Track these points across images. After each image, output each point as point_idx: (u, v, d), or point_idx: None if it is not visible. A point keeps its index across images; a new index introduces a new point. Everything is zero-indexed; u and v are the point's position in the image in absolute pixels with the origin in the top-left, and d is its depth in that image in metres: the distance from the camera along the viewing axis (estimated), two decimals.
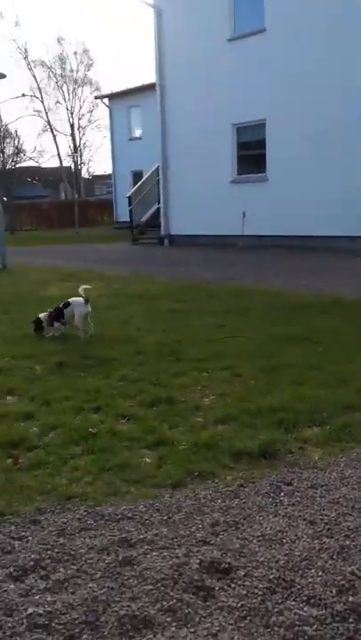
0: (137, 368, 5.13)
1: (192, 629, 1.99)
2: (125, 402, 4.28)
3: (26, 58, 49.59)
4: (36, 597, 2.15)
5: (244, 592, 2.16)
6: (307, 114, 14.92)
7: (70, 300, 6.43)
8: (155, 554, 2.42)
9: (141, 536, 2.55)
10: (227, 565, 2.32)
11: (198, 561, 2.34)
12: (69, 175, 50.63)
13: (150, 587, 2.19)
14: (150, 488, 3.01)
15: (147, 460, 3.35)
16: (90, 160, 55.55)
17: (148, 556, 2.40)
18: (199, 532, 2.58)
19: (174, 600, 2.12)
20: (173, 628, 1.99)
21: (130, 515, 2.74)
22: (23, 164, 43.09)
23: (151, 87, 21.63)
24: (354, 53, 13.86)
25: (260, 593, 2.15)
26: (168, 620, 2.03)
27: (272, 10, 15.61)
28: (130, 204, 21.92)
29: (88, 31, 79.11)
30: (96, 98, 41.80)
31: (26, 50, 49.03)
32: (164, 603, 2.11)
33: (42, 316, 6.39)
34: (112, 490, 2.99)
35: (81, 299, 6.34)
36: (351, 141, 14.11)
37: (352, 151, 14.13)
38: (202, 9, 17.17)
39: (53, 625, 2.00)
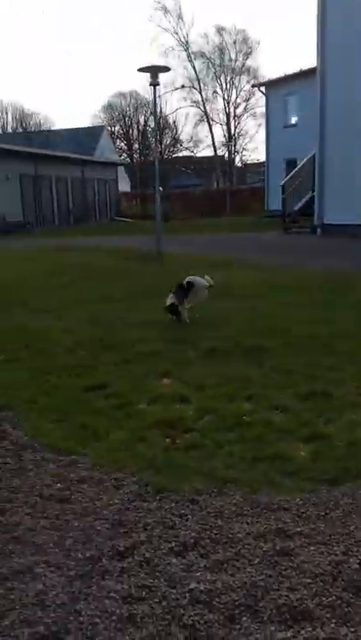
0: (289, 359, 5.07)
1: (352, 629, 1.95)
2: (278, 393, 4.26)
3: (187, 50, 50.60)
4: (198, 574, 2.23)
5: None
6: None
7: (193, 279, 6.53)
8: (312, 548, 2.40)
9: (298, 529, 2.54)
10: None
11: (358, 561, 2.29)
12: (222, 164, 51.10)
13: (309, 580, 2.18)
14: (306, 482, 2.98)
15: (302, 453, 3.32)
16: (243, 149, 55.48)
17: (306, 549, 2.39)
18: (358, 532, 2.51)
19: (333, 597, 2.09)
20: (333, 625, 1.96)
21: (286, 506, 2.74)
22: (179, 154, 44.32)
23: (310, 73, 21.04)
24: None
25: None
26: (328, 615, 2.01)
27: None
28: (283, 193, 21.60)
29: (247, 18, 78.75)
30: (253, 86, 41.64)
31: (187, 42, 49.86)
32: (323, 598, 2.09)
33: (172, 301, 6.46)
34: (267, 479, 3.01)
35: (204, 281, 6.44)
36: None
37: None
38: None
39: (214, 603, 2.07)
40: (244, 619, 2.00)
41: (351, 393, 4.23)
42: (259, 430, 3.59)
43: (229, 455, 3.29)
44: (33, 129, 49.32)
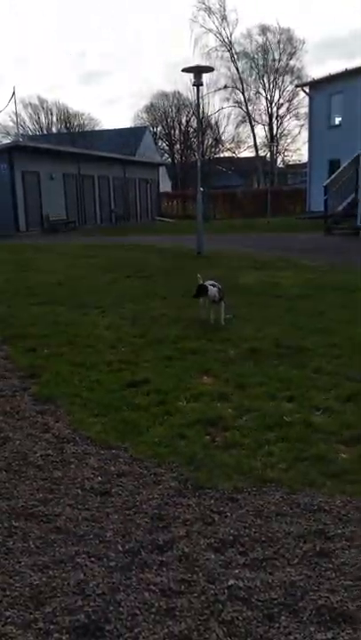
0: (332, 361, 5.01)
1: None
2: (320, 394, 4.22)
3: (230, 50, 50.47)
4: (236, 571, 2.23)
5: None
6: None
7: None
8: (353, 551, 2.37)
9: (339, 531, 2.51)
10: None
11: None
12: (264, 165, 50.77)
13: (349, 582, 2.16)
14: (347, 484, 2.94)
15: (343, 455, 3.28)
16: (285, 149, 54.94)
17: (347, 551, 2.36)
18: None
19: None
20: None
21: (326, 508, 2.71)
22: (220, 155, 44.24)
23: (356, 72, 20.69)
24: None
25: None
26: None
27: None
28: (325, 194, 21.31)
29: (293, 15, 78.04)
30: (297, 86, 41.23)
31: (230, 42, 49.72)
32: None
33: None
34: (307, 480, 2.98)
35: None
36: None
37: None
38: None
39: (253, 600, 2.07)
40: (283, 618, 1.99)
41: None
42: (299, 430, 3.57)
43: (269, 455, 3.28)
44: (77, 129, 49.99)
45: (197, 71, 13.68)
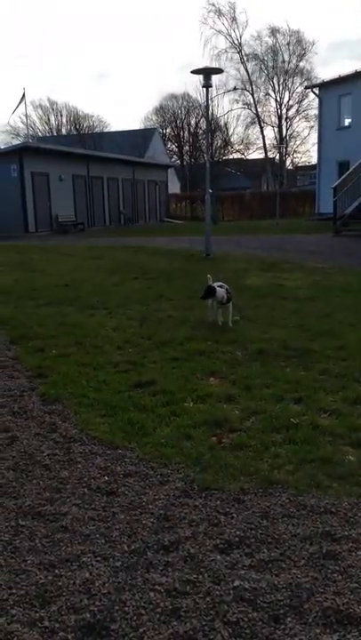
0: (339, 363, 5.00)
1: None
2: (328, 396, 4.21)
3: (239, 52, 50.46)
4: (242, 572, 2.23)
5: None
6: None
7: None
8: (360, 553, 2.36)
9: (345, 533, 2.50)
10: None
11: None
12: (273, 166, 50.71)
13: (356, 585, 2.15)
14: (354, 486, 2.93)
15: (350, 457, 3.26)
16: (294, 151, 54.87)
17: (353, 553, 2.35)
18: None
19: None
20: None
21: (333, 510, 2.70)
22: (229, 157, 44.22)
23: None
24: None
25: None
26: None
27: None
28: (335, 195, 21.26)
29: (303, 17, 77.90)
30: (306, 88, 41.19)
31: (240, 44, 49.73)
32: None
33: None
34: (314, 482, 2.97)
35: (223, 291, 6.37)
36: None
37: None
38: None
39: (258, 602, 2.06)
40: (289, 619, 1.99)
41: None
42: (307, 433, 3.56)
43: (276, 456, 3.27)
44: (87, 131, 50.17)
45: (207, 73, 13.69)
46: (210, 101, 14.81)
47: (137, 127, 53.36)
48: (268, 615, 2.00)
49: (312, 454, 3.26)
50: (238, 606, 2.05)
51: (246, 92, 50.14)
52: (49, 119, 52.74)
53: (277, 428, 3.66)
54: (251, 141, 55.52)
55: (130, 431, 3.63)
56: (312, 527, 2.55)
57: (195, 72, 13.73)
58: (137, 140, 45.06)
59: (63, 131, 51.85)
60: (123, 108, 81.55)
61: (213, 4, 51.98)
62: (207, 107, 15.09)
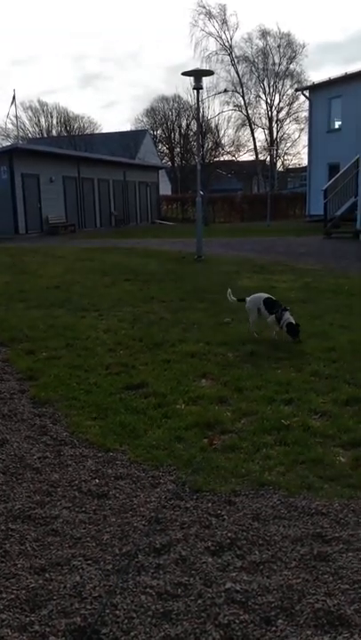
0: (330, 365, 5.01)
1: None
2: (318, 398, 4.22)
3: (230, 54, 50.57)
4: (233, 574, 2.23)
5: None
6: None
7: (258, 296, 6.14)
8: (350, 554, 2.36)
9: (336, 534, 2.51)
10: None
11: None
12: (264, 168, 50.84)
13: (347, 586, 2.15)
14: (345, 488, 2.94)
15: (341, 459, 3.28)
16: (285, 153, 55.03)
17: (344, 555, 2.36)
18: None
19: None
20: None
21: (324, 511, 2.70)
22: (220, 159, 44.29)
23: (356, 77, 20.75)
24: None
25: None
26: None
27: None
28: (325, 197, 21.36)
29: (293, 20, 78.23)
30: (296, 90, 41.28)
31: (230, 46, 49.84)
32: None
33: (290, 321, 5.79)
34: (305, 483, 2.98)
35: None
36: None
37: None
38: None
39: (250, 604, 2.06)
40: (280, 621, 1.98)
41: None
42: (298, 434, 3.57)
43: (267, 458, 3.27)
44: (77, 132, 50.08)
45: (197, 75, 13.71)
46: (200, 103, 14.84)
47: (128, 129, 53.38)
48: (259, 617, 2.00)
49: (303, 456, 3.27)
50: (230, 608, 2.04)
51: (237, 94, 50.24)
52: (39, 120, 52.63)
53: (269, 429, 3.66)
54: (241, 143, 55.66)
55: (121, 434, 3.62)
56: (303, 528, 2.55)
57: (185, 74, 13.75)
58: (128, 141, 45.04)
59: (54, 132, 51.73)
60: (113, 110, 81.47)
61: (204, 7, 52.14)
62: (198, 108, 15.11)
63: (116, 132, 48.22)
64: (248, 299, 6.17)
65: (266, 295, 6.16)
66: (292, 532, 2.53)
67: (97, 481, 3.02)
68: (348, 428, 3.64)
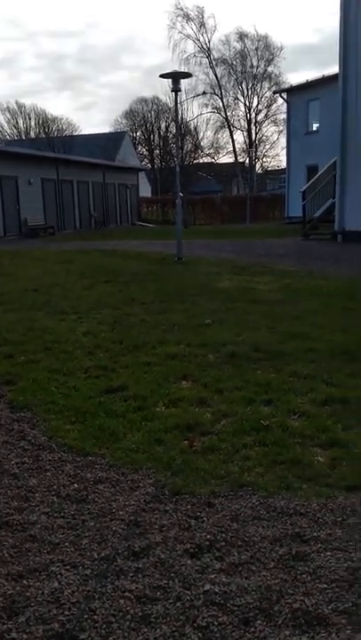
0: (309, 365, 5.05)
1: None
2: (297, 398, 4.25)
3: (208, 56, 50.74)
4: (212, 576, 2.23)
5: None
6: None
7: None
8: (328, 554, 2.38)
9: (315, 534, 2.53)
10: None
11: None
12: (243, 170, 51.10)
13: (325, 585, 2.17)
14: (323, 487, 2.96)
15: (319, 458, 3.30)
16: (264, 155, 55.38)
17: (322, 554, 2.37)
18: None
19: (350, 603, 2.07)
20: (349, 631, 1.94)
21: (302, 511, 2.72)
22: (200, 161, 44.43)
23: (333, 79, 20.96)
24: None
25: None
26: (343, 621, 1.99)
27: None
28: (303, 199, 21.53)
29: (271, 23, 78.74)
30: (275, 93, 41.61)
31: (208, 49, 50.02)
32: (339, 604, 2.07)
33: None
34: (284, 484, 3.00)
35: None
36: None
37: None
38: None
39: (228, 605, 2.07)
40: (259, 622, 1.99)
41: None
42: (277, 435, 3.58)
43: (246, 459, 3.29)
44: (56, 134, 49.83)
45: (175, 77, 13.73)
46: (179, 105, 14.86)
47: (107, 130, 53.26)
48: (238, 618, 2.01)
49: (282, 456, 3.29)
50: (209, 610, 2.05)
51: (215, 97, 50.45)
52: (17, 122, 52.25)
53: (248, 430, 3.68)
54: (221, 145, 55.79)
55: (100, 437, 3.61)
56: (282, 529, 2.57)
57: (163, 76, 13.76)
58: (107, 143, 44.95)
59: (32, 134, 51.38)
60: (92, 112, 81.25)
61: (182, 9, 52.21)
62: (176, 110, 15.14)
63: (95, 134, 48.10)
64: None
65: None
66: (271, 532, 2.54)
67: (76, 485, 3.00)
68: (327, 428, 3.67)
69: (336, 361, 5.15)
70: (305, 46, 74.73)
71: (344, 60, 18.49)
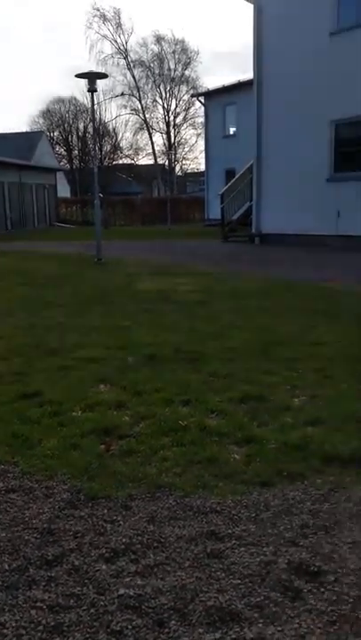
0: (227, 364, 5.13)
1: (279, 628, 1.97)
2: (215, 397, 4.30)
3: (126, 58, 50.65)
4: (127, 580, 2.21)
5: (334, 597, 2.12)
6: None
7: None
8: (242, 549, 2.42)
9: (229, 531, 2.56)
10: (316, 569, 2.28)
11: (286, 561, 2.32)
12: (163, 172, 51.38)
13: (238, 581, 2.20)
14: (238, 484, 3.01)
15: (235, 456, 3.35)
16: (183, 158, 55.95)
17: (236, 550, 2.41)
18: (288, 533, 2.55)
19: (262, 597, 2.12)
20: (261, 625, 1.98)
21: (218, 509, 2.75)
22: (119, 162, 44.23)
23: (248, 84, 21.49)
24: None
25: (351, 600, 2.10)
26: (255, 615, 2.03)
27: None
28: (222, 202, 21.93)
29: (187, 27, 79.66)
30: (192, 96, 42.20)
31: (126, 50, 49.95)
32: (252, 598, 2.11)
33: None
34: (200, 483, 3.02)
35: None
36: None
37: None
38: (304, 2, 16.81)
39: (143, 608, 2.05)
40: (173, 622, 1.99)
41: (285, 396, 4.32)
42: (194, 434, 3.61)
43: (164, 460, 3.29)
44: None
45: (91, 77, 13.62)
46: (97, 106, 14.75)
47: (23, 130, 51.94)
48: (152, 620, 2.00)
49: (199, 455, 3.32)
50: (123, 614, 2.03)
51: (134, 98, 50.47)
52: None
53: (166, 431, 3.68)
54: (140, 147, 55.90)
55: (13, 445, 3.50)
56: (197, 528, 2.58)
57: (79, 76, 13.61)
58: (23, 142, 43.86)
59: None
60: (7, 111, 78.97)
61: (98, 9, 51.80)
62: (93, 111, 15.02)
63: (10, 133, 46.76)
64: None
65: None
66: (187, 531, 2.55)
67: None
68: (243, 426, 3.74)
69: (253, 360, 5.27)
70: (222, 52, 76.24)
71: (258, 67, 19.00)
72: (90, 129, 49.24)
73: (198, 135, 50.27)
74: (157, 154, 53.16)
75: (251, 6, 18.72)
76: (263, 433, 3.63)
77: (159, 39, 50.44)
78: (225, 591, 2.14)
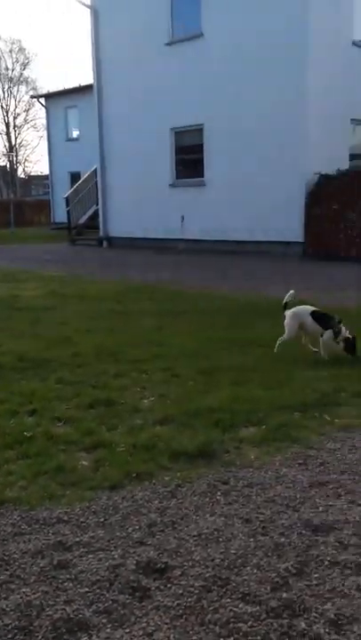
0: (75, 370, 5.06)
1: (127, 630, 1.98)
2: (62, 404, 4.22)
3: None
4: None
5: (180, 591, 2.17)
6: (245, 120, 15.15)
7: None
8: (90, 556, 2.39)
9: (77, 539, 2.52)
10: (163, 565, 2.32)
11: (135, 562, 2.34)
12: (5, 175, 49.44)
13: (86, 589, 2.17)
14: (87, 491, 2.97)
15: (83, 462, 3.31)
16: (26, 160, 54.32)
17: (84, 558, 2.37)
18: (136, 533, 2.57)
19: (110, 601, 2.10)
20: (109, 629, 1.97)
21: (65, 518, 2.70)
22: None
23: (89, 88, 21.43)
24: (297, 58, 13.97)
25: (196, 592, 2.17)
26: (103, 621, 2.01)
27: (209, 15, 15.74)
28: (67, 205, 21.63)
29: (25, 28, 77.50)
30: (32, 97, 41.09)
31: None
32: (100, 604, 2.09)
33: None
34: (47, 494, 2.94)
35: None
36: (287, 149, 14.40)
37: (286, 157, 14.43)
38: (139, 12, 17.14)
39: None
40: None
41: (134, 398, 4.36)
42: (41, 444, 3.51)
43: (9, 474, 3.15)
44: None
45: None
46: None
47: None
48: None
49: (45, 465, 3.22)
50: None
51: None
52: None
53: (11, 443, 3.53)
54: None
55: None
56: (44, 540, 2.51)
57: None
58: None
59: None
60: None
61: None
62: None
63: None
64: (288, 312, 5.46)
65: (312, 308, 5.51)
66: (33, 545, 2.46)
67: None
68: (91, 431, 3.70)
69: (102, 364, 5.25)
70: (64, 54, 75.24)
71: (97, 73, 19.05)
72: None
73: (41, 137, 49.10)
74: None
75: (88, 11, 18.70)
76: (112, 437, 3.63)
77: None
78: (72, 601, 2.10)
